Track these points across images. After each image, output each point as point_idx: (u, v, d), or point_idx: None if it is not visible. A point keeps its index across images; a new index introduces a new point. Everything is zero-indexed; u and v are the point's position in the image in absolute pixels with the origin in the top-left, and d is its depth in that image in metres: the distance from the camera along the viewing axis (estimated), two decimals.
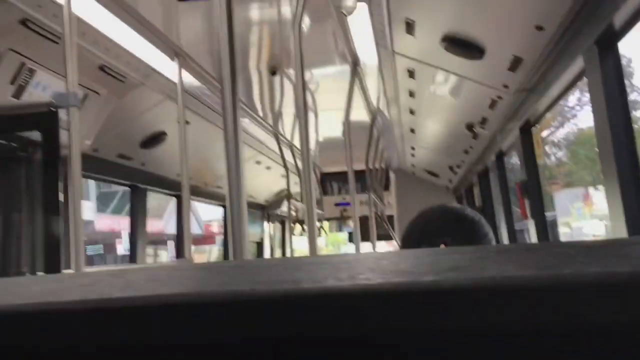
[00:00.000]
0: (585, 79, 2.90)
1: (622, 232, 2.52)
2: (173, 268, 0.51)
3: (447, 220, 1.48)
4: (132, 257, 5.16)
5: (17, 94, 3.10)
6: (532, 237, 4.23)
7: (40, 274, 2.51)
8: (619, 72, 2.58)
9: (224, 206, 7.40)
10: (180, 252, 5.70)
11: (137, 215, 5.22)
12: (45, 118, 2.47)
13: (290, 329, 0.42)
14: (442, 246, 1.42)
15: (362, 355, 0.42)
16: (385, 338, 0.41)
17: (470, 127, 4.89)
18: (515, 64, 3.26)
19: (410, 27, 3.43)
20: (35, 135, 2.58)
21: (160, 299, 0.43)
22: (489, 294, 0.41)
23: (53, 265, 2.45)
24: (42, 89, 3.20)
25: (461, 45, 3.29)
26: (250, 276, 0.47)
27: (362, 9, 3.28)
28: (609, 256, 0.44)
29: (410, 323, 0.41)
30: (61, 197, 2.56)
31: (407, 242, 1.51)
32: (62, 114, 2.48)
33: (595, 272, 0.41)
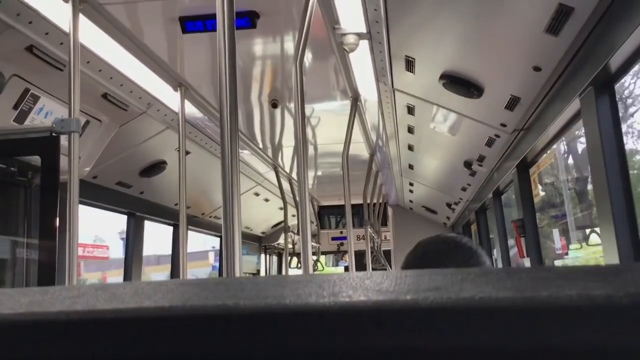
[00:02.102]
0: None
1: None
2: (160, 283, 0.52)
3: (447, 249, 1.49)
4: None
5: (20, 119, 3.13)
6: None
7: None
8: (615, 113, 2.61)
9: (221, 237, 7.39)
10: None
11: (134, 244, 5.21)
12: (46, 143, 2.49)
13: (272, 344, 0.42)
14: None
15: None
16: (362, 355, 0.42)
17: (468, 164, 4.92)
18: (512, 103, 3.30)
19: (410, 65, 3.48)
20: (36, 159, 2.60)
21: (143, 311, 0.44)
22: (466, 314, 0.42)
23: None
24: (45, 114, 3.24)
25: (460, 84, 3.34)
26: (235, 292, 0.48)
27: (364, 46, 3.34)
28: (586, 280, 0.45)
29: (388, 340, 0.42)
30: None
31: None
32: (62, 140, 2.51)
33: (570, 294, 0.42)
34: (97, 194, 4.44)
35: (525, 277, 0.48)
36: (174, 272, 5.91)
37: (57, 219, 2.50)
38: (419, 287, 0.46)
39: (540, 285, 0.45)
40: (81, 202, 2.70)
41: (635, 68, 2.52)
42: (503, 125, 3.70)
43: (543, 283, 0.45)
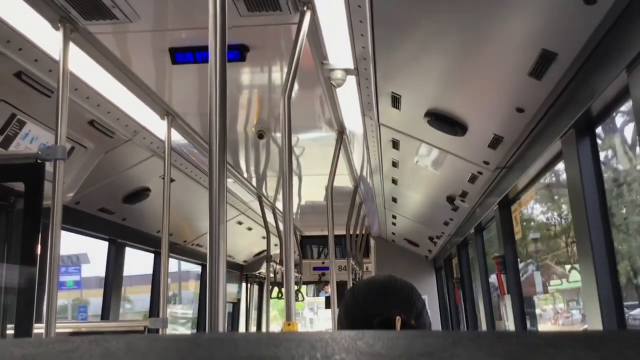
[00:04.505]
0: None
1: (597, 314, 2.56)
2: (154, 338, 0.52)
3: (393, 292, 1.52)
4: (105, 313, 5.05)
5: (5, 144, 3.11)
6: (509, 312, 4.24)
7: (10, 326, 2.46)
8: (596, 156, 2.67)
9: (202, 265, 7.33)
10: (154, 310, 5.61)
11: (113, 271, 5.14)
12: (31, 170, 2.48)
13: None
14: (399, 318, 1.44)
15: None
16: None
17: (450, 199, 4.97)
18: (495, 142, 3.36)
19: (396, 101, 3.54)
20: (19, 184, 2.58)
21: None
22: None
23: (26, 316, 2.40)
24: (31, 140, 3.22)
25: (444, 122, 3.40)
26: (229, 351, 0.49)
27: (351, 81, 3.39)
28: (575, 349, 0.46)
29: None
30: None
31: (354, 319, 1.48)
32: (47, 165, 2.50)
33: None
34: (79, 220, 4.40)
35: (515, 342, 0.49)
36: (154, 297, 5.85)
37: (39, 245, 2.47)
38: (412, 351, 0.47)
39: (531, 352, 0.46)
40: (62, 228, 2.68)
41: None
42: (486, 162, 3.75)
43: (533, 350, 0.46)
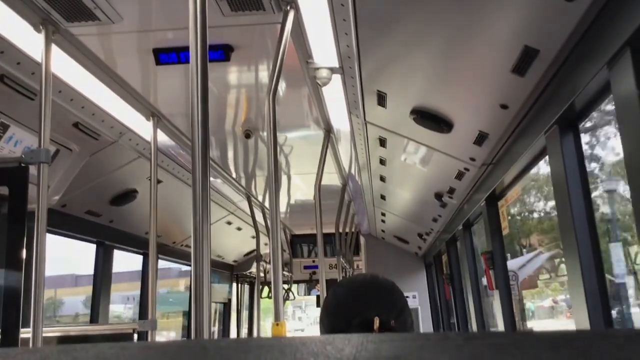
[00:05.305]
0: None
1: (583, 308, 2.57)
2: (122, 347, 0.52)
3: (373, 292, 1.51)
4: (94, 317, 5.03)
5: None
6: (497, 307, 4.26)
7: None
8: (580, 151, 2.68)
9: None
10: (144, 312, 5.59)
11: (102, 274, 5.12)
12: (15, 174, 2.46)
13: None
14: (377, 319, 1.43)
15: None
16: None
17: (438, 196, 4.98)
18: (481, 139, 3.37)
19: (381, 99, 3.54)
20: (3, 188, 2.56)
21: None
22: None
23: (12, 322, 2.39)
24: (15, 143, 3.20)
25: (430, 119, 3.40)
26: (199, 358, 0.49)
27: (336, 80, 3.39)
28: (538, 349, 0.47)
29: None
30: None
31: (335, 319, 1.47)
32: (32, 168, 2.48)
33: None
34: (65, 223, 4.37)
35: (480, 344, 0.49)
36: (143, 298, 5.83)
37: (25, 249, 2.46)
38: (380, 355, 0.47)
39: (496, 353, 0.46)
40: (49, 231, 2.66)
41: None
42: (472, 159, 3.77)
43: (499, 351, 0.47)
